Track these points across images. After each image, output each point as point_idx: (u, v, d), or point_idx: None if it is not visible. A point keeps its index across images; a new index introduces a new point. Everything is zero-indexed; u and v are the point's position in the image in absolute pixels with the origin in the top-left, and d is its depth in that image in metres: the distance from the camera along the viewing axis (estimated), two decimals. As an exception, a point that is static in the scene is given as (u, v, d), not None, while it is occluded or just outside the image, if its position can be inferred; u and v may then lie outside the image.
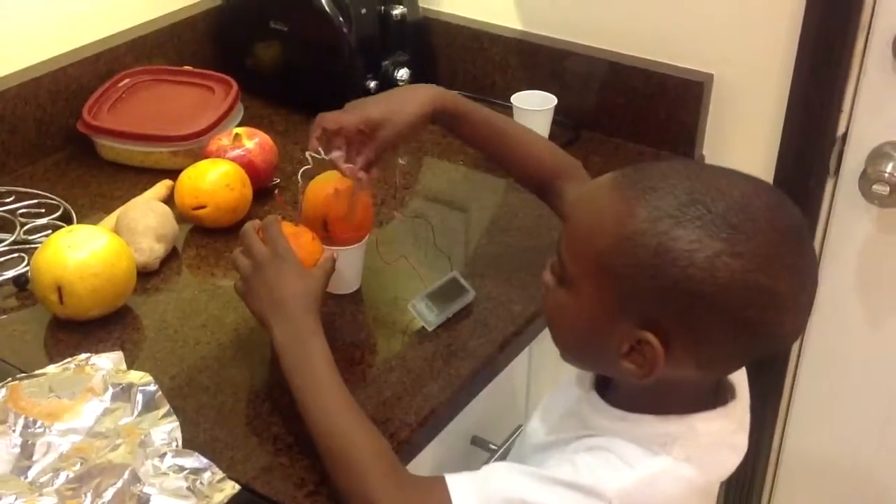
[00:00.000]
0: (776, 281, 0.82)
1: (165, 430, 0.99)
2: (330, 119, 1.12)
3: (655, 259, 0.82)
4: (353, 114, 1.13)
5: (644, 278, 0.83)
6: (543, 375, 1.36)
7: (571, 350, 0.96)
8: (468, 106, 1.20)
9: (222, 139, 1.45)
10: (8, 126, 1.47)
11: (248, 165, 1.40)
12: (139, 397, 1.03)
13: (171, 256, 1.32)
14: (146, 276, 1.27)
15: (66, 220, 1.37)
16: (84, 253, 1.16)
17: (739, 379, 0.97)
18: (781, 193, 0.87)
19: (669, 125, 1.59)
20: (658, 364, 0.85)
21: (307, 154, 1.12)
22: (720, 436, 0.93)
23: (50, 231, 1.31)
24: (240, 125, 1.54)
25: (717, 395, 0.94)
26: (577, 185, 1.20)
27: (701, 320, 0.83)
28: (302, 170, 1.12)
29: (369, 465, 0.94)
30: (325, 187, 1.17)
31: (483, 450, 1.26)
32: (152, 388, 1.04)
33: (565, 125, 1.63)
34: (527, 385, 1.36)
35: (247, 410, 1.08)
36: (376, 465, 0.95)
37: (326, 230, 1.17)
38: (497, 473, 0.92)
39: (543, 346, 1.30)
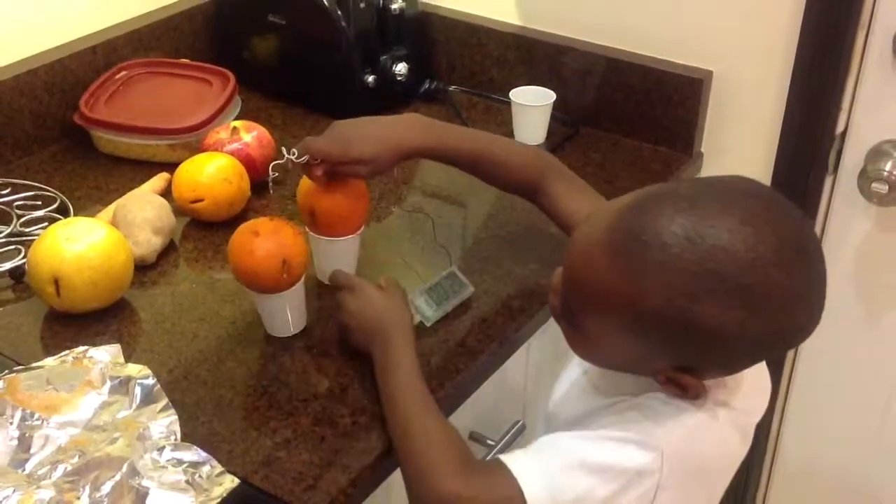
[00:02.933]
0: (797, 317, 0.87)
1: (164, 423, 0.99)
2: (316, 151, 1.15)
3: (679, 335, 0.85)
4: (338, 148, 1.15)
5: (671, 346, 0.87)
6: (542, 371, 1.36)
7: (602, 367, 1.01)
8: (449, 142, 1.21)
9: (220, 132, 1.44)
10: (4, 118, 1.46)
11: (245, 159, 1.40)
12: (137, 390, 1.02)
13: (169, 250, 1.32)
14: (143, 269, 1.27)
15: (63, 212, 1.36)
16: (81, 245, 1.15)
17: None
18: (777, 209, 0.87)
19: (668, 122, 1.58)
20: (699, 392, 0.91)
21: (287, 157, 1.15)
22: (748, 379, 0.97)
23: (46, 223, 1.31)
24: (237, 119, 1.53)
25: None
26: (559, 181, 1.22)
27: (732, 361, 0.90)
28: (272, 164, 1.17)
29: (439, 453, 0.96)
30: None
31: (482, 445, 1.26)
32: (150, 381, 1.03)
33: (564, 121, 1.63)
34: (525, 381, 1.36)
35: (245, 404, 1.08)
36: (446, 454, 0.96)
37: (314, 220, 1.19)
38: (550, 444, 0.94)
39: (541, 342, 1.30)
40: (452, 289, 1.22)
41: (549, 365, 1.36)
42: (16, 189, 1.40)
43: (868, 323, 1.62)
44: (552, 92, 1.58)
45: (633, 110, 1.61)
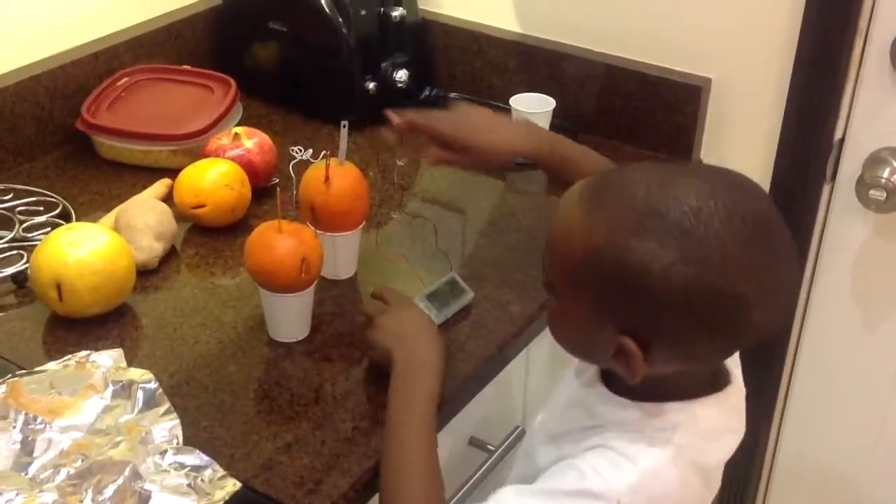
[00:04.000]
0: (736, 283, 0.83)
1: (166, 427, 1.00)
2: (428, 121, 1.23)
3: (617, 272, 0.84)
4: (450, 125, 1.21)
5: (610, 290, 0.87)
6: (541, 376, 1.36)
7: (568, 349, 0.99)
8: (559, 151, 1.25)
9: (221, 138, 1.45)
10: (7, 124, 1.47)
11: (247, 165, 1.41)
12: (140, 394, 1.03)
13: (170, 255, 1.32)
14: (145, 274, 1.27)
15: (65, 218, 1.37)
16: (84, 250, 1.16)
17: (734, 364, 1.00)
18: (745, 188, 0.88)
19: (667, 129, 1.59)
20: (639, 366, 0.88)
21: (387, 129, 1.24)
22: (719, 420, 0.96)
23: (49, 229, 1.31)
24: (239, 125, 1.54)
25: (716, 382, 0.96)
26: None
27: (671, 325, 0.86)
28: (291, 164, 1.16)
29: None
30: (314, 176, 1.20)
31: (481, 450, 1.27)
32: (153, 385, 1.04)
33: (563, 128, 1.63)
34: (524, 386, 1.36)
35: (246, 409, 1.08)
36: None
37: (314, 215, 1.20)
38: (506, 499, 0.92)
39: (541, 348, 1.31)
40: (453, 294, 1.23)
41: (549, 370, 1.36)
42: (18, 194, 1.40)
43: (866, 329, 1.63)
44: (552, 99, 1.59)
45: (632, 117, 1.62)
